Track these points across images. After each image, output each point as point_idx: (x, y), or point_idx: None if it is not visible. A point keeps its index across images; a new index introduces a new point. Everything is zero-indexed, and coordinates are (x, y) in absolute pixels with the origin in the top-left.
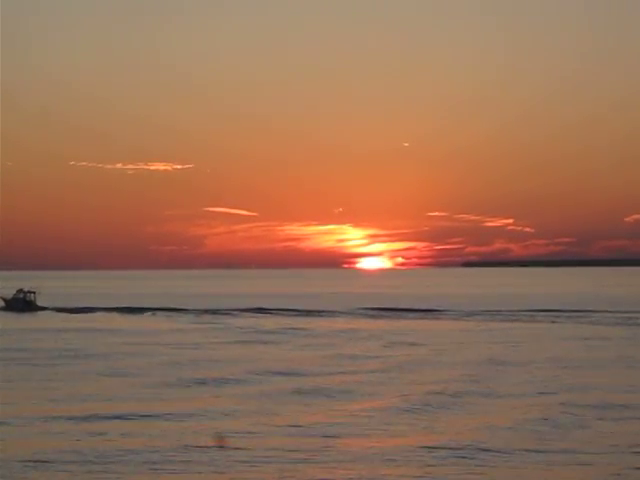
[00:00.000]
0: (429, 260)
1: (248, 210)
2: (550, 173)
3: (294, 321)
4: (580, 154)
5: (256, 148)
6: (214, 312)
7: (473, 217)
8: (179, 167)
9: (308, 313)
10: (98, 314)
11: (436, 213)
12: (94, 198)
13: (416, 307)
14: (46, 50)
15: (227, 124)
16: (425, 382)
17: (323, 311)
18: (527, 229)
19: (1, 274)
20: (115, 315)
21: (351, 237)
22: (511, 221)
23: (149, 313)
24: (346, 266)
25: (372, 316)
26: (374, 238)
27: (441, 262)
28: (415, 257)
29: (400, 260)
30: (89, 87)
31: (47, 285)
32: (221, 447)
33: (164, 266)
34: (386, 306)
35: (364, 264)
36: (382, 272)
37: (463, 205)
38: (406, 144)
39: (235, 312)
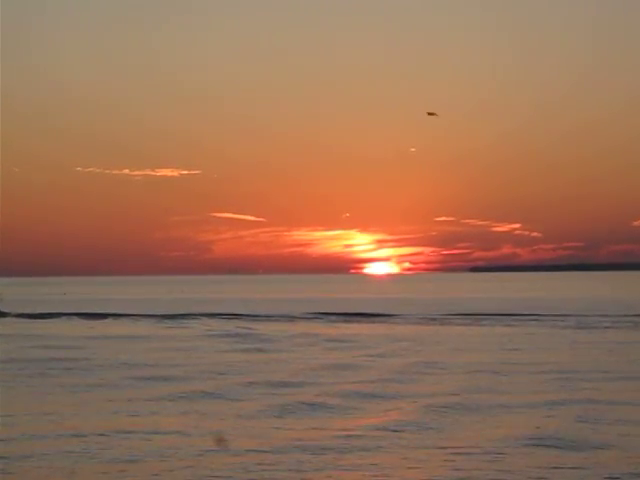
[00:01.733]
0: (436, 265)
1: (255, 215)
2: (557, 177)
3: (246, 325)
4: (587, 158)
5: (263, 153)
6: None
7: (480, 222)
8: (186, 173)
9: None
10: (57, 320)
11: (443, 218)
12: (101, 204)
13: (387, 312)
14: (51, 55)
15: (234, 130)
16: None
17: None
18: (535, 234)
19: (7, 280)
20: (76, 321)
21: (358, 242)
22: (518, 226)
23: (111, 318)
24: (353, 271)
25: (340, 321)
26: (381, 243)
27: (448, 267)
28: (422, 262)
29: (407, 265)
30: (95, 93)
31: (27, 291)
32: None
33: (171, 272)
34: (354, 311)
35: (371, 269)
36: (389, 277)
37: (470, 210)
38: (413, 149)
39: (195, 317)
